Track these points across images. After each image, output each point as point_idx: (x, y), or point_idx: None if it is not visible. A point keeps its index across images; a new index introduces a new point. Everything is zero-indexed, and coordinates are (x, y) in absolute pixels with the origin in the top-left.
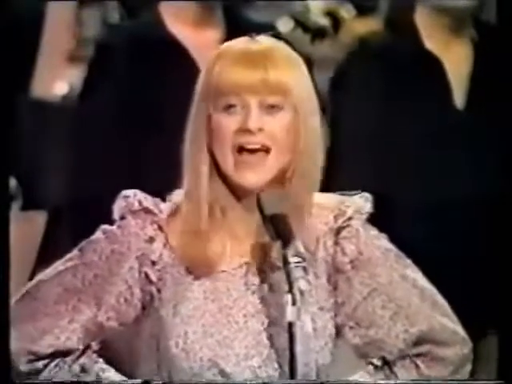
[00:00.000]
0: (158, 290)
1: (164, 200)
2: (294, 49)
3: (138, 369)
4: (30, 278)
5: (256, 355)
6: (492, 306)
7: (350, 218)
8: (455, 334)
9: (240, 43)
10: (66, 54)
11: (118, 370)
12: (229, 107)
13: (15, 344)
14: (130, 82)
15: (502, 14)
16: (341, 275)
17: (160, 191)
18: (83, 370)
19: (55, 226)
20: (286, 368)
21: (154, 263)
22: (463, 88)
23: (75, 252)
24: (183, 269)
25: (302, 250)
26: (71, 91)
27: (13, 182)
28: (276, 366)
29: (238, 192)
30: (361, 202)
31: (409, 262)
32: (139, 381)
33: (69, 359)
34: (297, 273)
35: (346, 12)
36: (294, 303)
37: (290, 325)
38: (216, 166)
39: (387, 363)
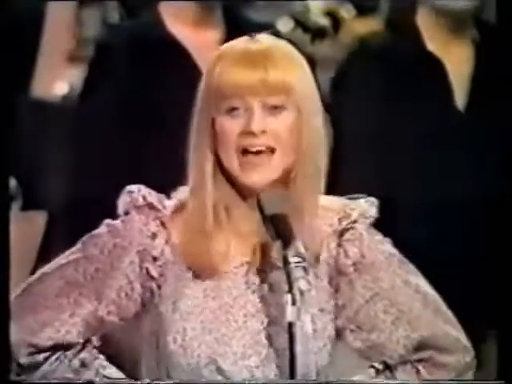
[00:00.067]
0: (159, 286)
1: (168, 198)
2: (295, 49)
3: (139, 367)
4: None
5: (254, 354)
6: (492, 306)
7: (354, 221)
8: (457, 342)
9: (240, 43)
10: (66, 54)
11: (119, 367)
12: (231, 110)
13: (16, 336)
14: (130, 81)
15: (502, 15)
16: (343, 277)
17: (160, 191)
18: (83, 364)
19: (55, 226)
20: (285, 368)
21: (155, 259)
22: (464, 89)
23: (78, 246)
24: (184, 266)
25: (302, 250)
26: (71, 91)
27: (13, 182)
28: (274, 366)
29: (243, 191)
30: (366, 206)
31: (412, 267)
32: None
33: (69, 353)
34: (297, 273)
35: (346, 12)
36: (293, 303)
37: (290, 325)
38: (220, 166)
39: (388, 367)
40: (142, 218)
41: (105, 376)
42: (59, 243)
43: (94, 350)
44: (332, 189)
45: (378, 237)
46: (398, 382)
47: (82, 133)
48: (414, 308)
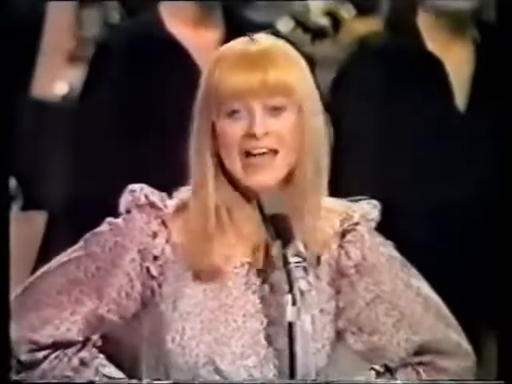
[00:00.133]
0: (159, 285)
1: (169, 197)
2: (295, 49)
3: (139, 366)
4: None
5: (252, 355)
6: (492, 306)
7: (356, 223)
8: (459, 346)
9: (238, 45)
10: (66, 54)
11: (119, 366)
12: (233, 113)
13: (16, 333)
14: (130, 81)
15: (502, 15)
16: (344, 279)
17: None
18: (83, 363)
19: (55, 226)
20: (284, 369)
21: (155, 258)
22: (464, 89)
23: (80, 243)
24: (185, 265)
25: (302, 249)
26: (71, 91)
27: (13, 182)
28: (272, 366)
29: (246, 193)
30: (368, 208)
31: (414, 271)
32: (135, 381)
33: (69, 351)
34: (297, 273)
35: (346, 12)
36: (294, 303)
37: (290, 325)
38: (222, 168)
39: (389, 370)
40: (143, 216)
41: (104, 375)
42: (59, 243)
43: (94, 349)
44: (331, 188)
45: (380, 239)
46: (398, 382)
47: (82, 133)
48: (416, 311)
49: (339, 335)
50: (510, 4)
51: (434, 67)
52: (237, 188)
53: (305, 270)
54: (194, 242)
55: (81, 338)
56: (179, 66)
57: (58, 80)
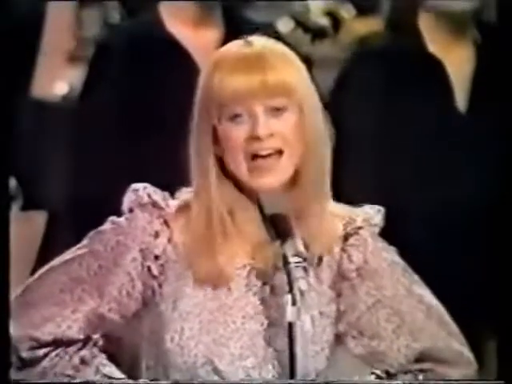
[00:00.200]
0: (160, 285)
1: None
2: (294, 49)
3: (139, 365)
4: None
5: (251, 356)
6: (492, 306)
7: (359, 227)
8: (460, 355)
9: (234, 48)
10: (66, 54)
11: (119, 365)
12: (235, 117)
13: (18, 330)
14: (130, 81)
15: (503, 16)
16: (346, 282)
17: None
18: (83, 361)
19: (55, 226)
20: (284, 369)
21: (157, 257)
22: (465, 90)
23: (84, 241)
24: (186, 265)
25: (302, 249)
26: (71, 91)
27: (13, 182)
28: (271, 367)
29: (250, 195)
30: (371, 213)
31: (416, 278)
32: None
33: (70, 349)
34: (297, 273)
35: (346, 12)
36: (294, 303)
37: (290, 325)
38: (224, 170)
39: (390, 375)
40: (145, 216)
41: (105, 374)
42: (59, 243)
43: (95, 348)
44: (331, 189)
45: (383, 244)
46: (398, 382)
47: (82, 133)
48: (417, 318)
49: (339, 339)
50: (511, 5)
51: (435, 68)
52: (239, 189)
53: (305, 270)
54: (197, 243)
55: (81, 337)
56: (179, 66)
57: (58, 80)
